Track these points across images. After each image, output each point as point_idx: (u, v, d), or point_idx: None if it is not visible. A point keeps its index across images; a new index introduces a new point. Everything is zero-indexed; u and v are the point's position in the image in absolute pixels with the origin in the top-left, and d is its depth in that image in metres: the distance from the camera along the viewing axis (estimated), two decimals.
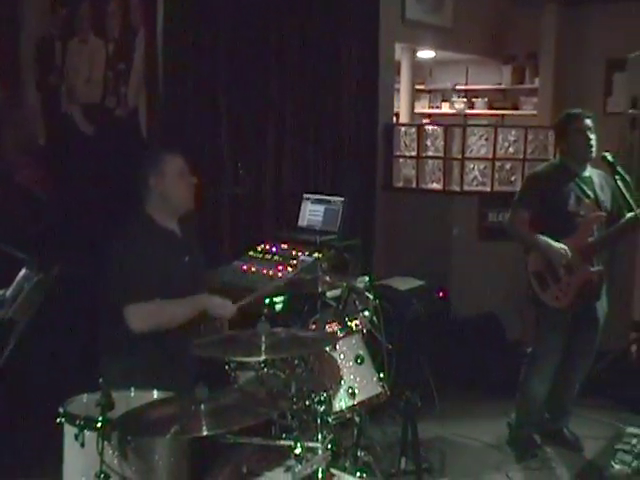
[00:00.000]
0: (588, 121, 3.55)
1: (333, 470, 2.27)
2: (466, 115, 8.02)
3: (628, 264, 4.85)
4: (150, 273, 2.65)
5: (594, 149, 3.54)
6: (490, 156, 5.05)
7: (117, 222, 2.83)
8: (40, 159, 4.41)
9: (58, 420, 2.15)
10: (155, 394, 2.35)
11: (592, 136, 3.53)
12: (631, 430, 3.77)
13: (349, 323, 2.92)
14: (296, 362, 2.45)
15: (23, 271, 2.27)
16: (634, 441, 3.63)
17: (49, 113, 4.51)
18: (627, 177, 3.42)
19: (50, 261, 2.30)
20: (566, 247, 3.50)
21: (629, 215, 3.47)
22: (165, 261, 2.73)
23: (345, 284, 3.13)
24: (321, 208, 4.40)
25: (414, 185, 5.29)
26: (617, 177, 3.39)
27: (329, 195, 4.48)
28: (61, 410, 2.17)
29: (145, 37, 4.06)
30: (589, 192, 3.58)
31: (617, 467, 3.44)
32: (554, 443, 3.85)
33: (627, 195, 3.32)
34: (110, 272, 2.69)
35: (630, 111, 4.42)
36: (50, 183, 4.33)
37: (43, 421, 2.31)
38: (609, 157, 3.44)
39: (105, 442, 2.01)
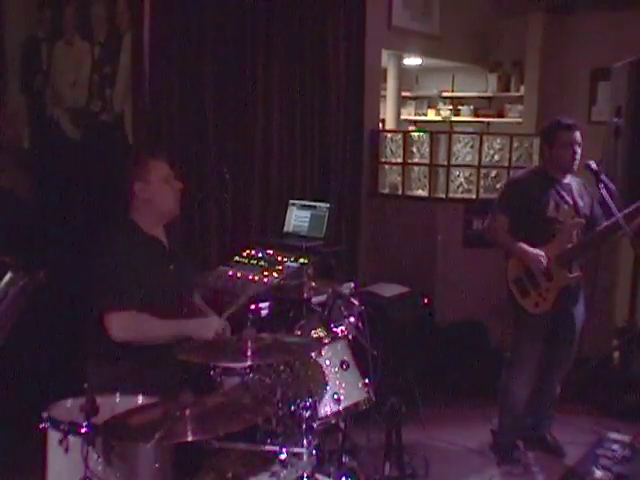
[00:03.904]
0: (577, 135, 3.57)
1: (318, 475, 2.27)
2: (452, 122, 8.06)
3: (611, 271, 4.89)
4: (133, 280, 2.62)
5: (577, 163, 3.57)
6: (475, 163, 5.08)
7: (102, 227, 2.81)
8: (24, 162, 4.39)
9: (42, 425, 2.14)
10: (140, 399, 2.34)
11: (578, 150, 3.56)
12: (613, 436, 3.81)
13: (334, 329, 2.93)
14: (281, 368, 2.45)
15: (8, 275, 2.25)
16: (616, 447, 3.67)
17: (34, 116, 4.48)
18: (611, 185, 3.45)
19: (35, 265, 2.29)
20: (543, 253, 3.53)
21: (608, 223, 3.51)
22: (149, 269, 2.70)
23: (331, 290, 3.13)
24: (307, 214, 4.41)
25: (400, 192, 5.31)
26: (601, 185, 3.43)
27: (315, 201, 4.49)
28: (45, 415, 2.16)
29: (131, 41, 4.06)
30: (568, 198, 3.62)
31: (599, 473, 3.47)
32: (536, 449, 3.88)
33: (610, 203, 3.36)
34: (93, 278, 2.67)
35: (614, 120, 4.46)
36: (34, 187, 4.31)
37: (27, 425, 2.30)
38: (593, 166, 3.48)
39: (89, 447, 2.00)
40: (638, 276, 4.72)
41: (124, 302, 2.59)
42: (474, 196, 5.08)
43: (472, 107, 8.00)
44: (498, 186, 5.03)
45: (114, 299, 2.59)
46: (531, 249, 3.56)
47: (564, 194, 3.62)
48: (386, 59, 6.40)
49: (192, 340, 2.66)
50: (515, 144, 5.13)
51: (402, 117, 7.59)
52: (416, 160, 5.23)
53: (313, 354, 2.67)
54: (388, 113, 7.00)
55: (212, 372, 2.51)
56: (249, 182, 4.53)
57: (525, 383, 3.74)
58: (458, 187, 5.11)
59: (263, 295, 3.26)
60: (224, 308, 2.94)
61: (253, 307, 3.10)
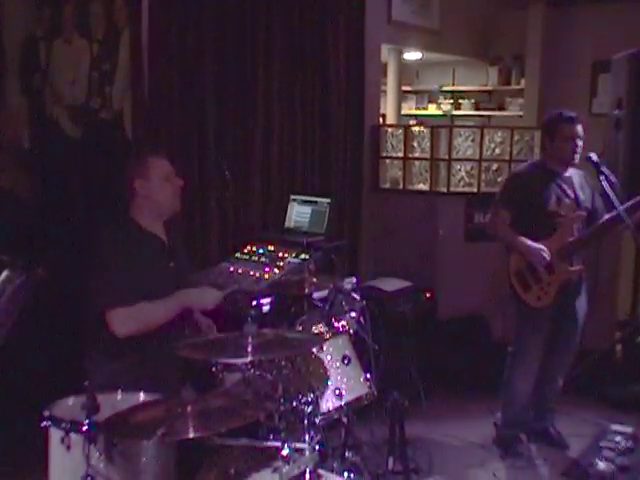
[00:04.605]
0: (579, 127, 3.55)
1: (321, 471, 2.27)
2: (453, 116, 8.05)
3: (613, 264, 4.88)
4: (133, 277, 2.62)
5: (578, 156, 3.56)
6: (477, 157, 5.07)
7: (102, 225, 2.81)
8: (24, 162, 4.39)
9: (43, 423, 2.14)
10: (141, 397, 2.34)
11: (580, 143, 3.55)
12: (615, 428, 3.82)
13: (336, 324, 2.93)
14: (283, 363, 2.45)
15: (5, 273, 2.25)
16: (618, 438, 3.68)
17: (33, 115, 4.48)
18: (612, 177, 3.44)
19: (33, 263, 2.29)
20: (545, 248, 3.52)
21: (609, 215, 3.50)
22: (149, 266, 2.70)
23: (332, 285, 3.13)
24: (308, 209, 4.40)
25: (401, 186, 5.30)
26: (602, 177, 3.41)
27: (316, 196, 4.49)
28: (46, 413, 2.15)
29: (130, 37, 4.05)
30: (569, 192, 3.61)
31: (602, 464, 3.48)
32: (540, 441, 3.88)
33: (611, 195, 3.35)
34: (93, 275, 2.66)
35: (615, 112, 4.44)
36: (34, 186, 4.31)
37: (28, 424, 2.30)
38: (594, 158, 3.46)
39: (91, 445, 2.00)
40: None
41: (124, 299, 2.59)
42: (475, 190, 5.07)
43: (473, 101, 7.98)
44: (499, 180, 5.02)
45: (113, 296, 2.59)
46: (533, 244, 3.55)
47: (565, 187, 3.61)
48: (386, 54, 6.38)
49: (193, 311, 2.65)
50: (516, 137, 5.12)
51: (403, 112, 7.58)
52: (417, 154, 5.22)
53: (314, 349, 2.66)
54: (389, 108, 7.00)
55: (213, 368, 2.51)
56: (250, 178, 4.52)
57: (527, 376, 3.74)
58: (459, 181, 5.10)
59: (264, 291, 3.26)
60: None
61: (254, 303, 3.10)
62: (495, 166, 5.12)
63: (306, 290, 3.08)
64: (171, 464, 2.16)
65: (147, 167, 2.77)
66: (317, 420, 2.47)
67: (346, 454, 2.95)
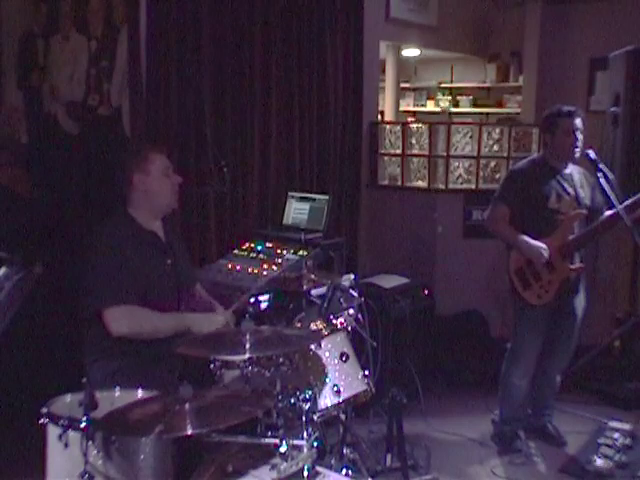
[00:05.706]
0: (578, 121, 3.54)
1: (319, 468, 2.27)
2: (451, 113, 8.05)
3: (611, 261, 4.89)
4: (130, 275, 2.62)
5: (579, 150, 3.55)
6: (475, 154, 5.07)
7: (99, 221, 2.80)
8: (22, 157, 4.39)
9: (41, 420, 2.14)
10: (139, 393, 2.34)
11: (580, 137, 3.54)
12: (613, 424, 3.82)
13: (334, 321, 2.93)
14: (281, 360, 2.45)
15: (3, 270, 2.24)
16: (616, 435, 3.69)
17: (31, 111, 4.47)
18: (609, 174, 3.44)
19: (31, 260, 2.28)
20: (545, 247, 3.52)
21: (609, 212, 3.50)
22: (146, 263, 2.70)
23: (330, 282, 3.13)
24: (306, 206, 4.40)
25: (399, 183, 5.30)
26: (599, 174, 3.41)
27: (314, 193, 4.49)
28: (44, 410, 2.16)
29: (128, 34, 4.04)
30: (569, 189, 3.60)
31: (600, 461, 3.48)
32: (538, 438, 3.89)
33: (609, 192, 3.34)
34: (90, 273, 2.66)
35: (612, 109, 4.44)
36: (32, 182, 4.31)
37: (26, 421, 2.30)
38: (591, 154, 3.46)
39: (89, 442, 2.00)
40: (638, 266, 4.72)
41: (121, 297, 2.58)
42: (473, 187, 5.08)
43: (471, 98, 7.98)
44: (497, 177, 5.03)
45: (111, 294, 2.58)
46: (533, 242, 3.54)
47: (565, 185, 3.60)
48: (384, 50, 6.38)
49: (191, 333, 2.66)
50: (514, 134, 5.12)
51: (401, 108, 7.57)
52: (415, 151, 5.22)
53: (312, 346, 2.67)
54: (387, 104, 6.99)
55: (211, 365, 2.51)
56: (248, 175, 4.52)
57: (525, 373, 3.74)
58: (457, 178, 5.11)
59: (263, 288, 3.26)
60: (232, 301, 2.94)
61: (253, 300, 3.10)
62: (493, 163, 5.12)
63: (304, 287, 3.08)
64: (169, 461, 2.16)
65: (147, 162, 2.77)
66: (315, 417, 2.47)
67: (344, 451, 2.95)
